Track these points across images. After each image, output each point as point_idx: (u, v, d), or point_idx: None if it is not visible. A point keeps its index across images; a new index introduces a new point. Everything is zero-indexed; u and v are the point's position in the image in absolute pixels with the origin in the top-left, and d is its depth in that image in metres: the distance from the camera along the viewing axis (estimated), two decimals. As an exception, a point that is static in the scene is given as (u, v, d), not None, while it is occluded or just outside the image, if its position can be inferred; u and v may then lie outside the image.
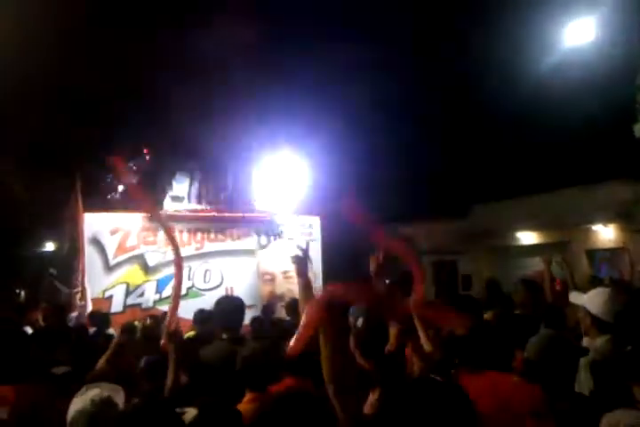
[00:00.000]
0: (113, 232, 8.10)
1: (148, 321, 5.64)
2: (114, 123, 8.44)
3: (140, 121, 8.53)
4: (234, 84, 8.66)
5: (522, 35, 12.47)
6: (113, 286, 7.97)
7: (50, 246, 10.28)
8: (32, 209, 8.28)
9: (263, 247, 8.96)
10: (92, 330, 6.09)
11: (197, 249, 8.57)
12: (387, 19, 13.15)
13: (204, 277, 8.53)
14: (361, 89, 11.95)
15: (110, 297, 7.92)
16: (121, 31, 8.77)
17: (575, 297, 3.75)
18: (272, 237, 9.02)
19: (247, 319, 4.80)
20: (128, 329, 5.93)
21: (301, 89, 9.93)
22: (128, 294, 8.05)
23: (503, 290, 6.35)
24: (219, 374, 2.93)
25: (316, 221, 9.23)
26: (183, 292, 8.21)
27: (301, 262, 3.24)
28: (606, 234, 13.19)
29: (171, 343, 3.24)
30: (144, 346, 4.32)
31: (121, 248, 8.12)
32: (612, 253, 12.85)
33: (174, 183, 8.40)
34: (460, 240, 14.47)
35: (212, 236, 8.68)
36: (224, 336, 3.72)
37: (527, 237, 14.35)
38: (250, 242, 8.89)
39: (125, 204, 8.16)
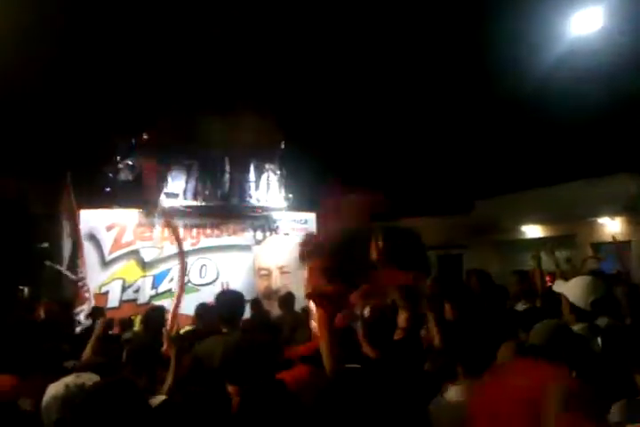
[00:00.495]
0: (109, 228, 8.28)
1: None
2: (109, 120, 8.58)
3: (135, 117, 8.66)
4: (228, 79, 8.77)
5: (528, 24, 12.41)
6: (109, 282, 8.16)
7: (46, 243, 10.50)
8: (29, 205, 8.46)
9: (259, 243, 9.11)
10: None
11: (193, 245, 8.74)
12: (394, 2, 13.14)
13: (200, 272, 8.70)
14: (363, 79, 12.00)
15: (106, 293, 8.11)
16: (116, 25, 8.90)
17: (558, 286, 3.88)
18: (268, 233, 9.16)
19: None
20: (126, 324, 6.16)
21: (299, 80, 9.98)
22: (124, 289, 8.24)
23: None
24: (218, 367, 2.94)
25: (311, 217, 9.35)
26: (179, 287, 8.42)
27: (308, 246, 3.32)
28: (613, 227, 13.17)
29: (172, 348, 3.34)
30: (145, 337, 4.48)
31: (117, 244, 8.30)
32: (618, 247, 12.83)
33: (170, 180, 8.54)
34: (465, 234, 14.52)
35: (208, 231, 8.85)
36: (224, 330, 3.81)
37: (533, 231, 14.37)
38: (246, 237, 9.04)
39: (121, 200, 8.34)
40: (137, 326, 5.94)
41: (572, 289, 3.70)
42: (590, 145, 13.03)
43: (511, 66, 13.07)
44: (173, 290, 8.51)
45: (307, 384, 2.73)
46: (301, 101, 9.95)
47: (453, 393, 2.37)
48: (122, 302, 8.19)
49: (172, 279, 8.52)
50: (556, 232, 13.95)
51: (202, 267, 8.71)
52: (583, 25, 11.54)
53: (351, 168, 12.76)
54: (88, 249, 8.07)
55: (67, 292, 7.66)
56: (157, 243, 8.48)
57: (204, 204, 8.66)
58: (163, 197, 8.48)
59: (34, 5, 7.62)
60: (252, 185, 9.00)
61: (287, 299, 6.40)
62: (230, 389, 2.54)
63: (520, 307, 4.96)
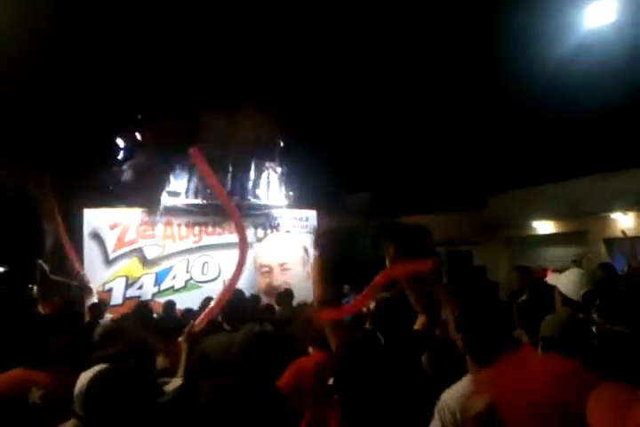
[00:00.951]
0: (112, 227, 8.55)
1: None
2: (111, 119, 8.81)
3: (137, 116, 8.90)
4: (228, 78, 8.95)
5: (541, 17, 12.38)
6: (113, 279, 8.44)
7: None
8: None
9: (260, 240, 9.32)
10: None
11: (195, 242, 8.98)
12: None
13: (202, 269, 8.94)
14: (368, 73, 12.07)
15: (110, 290, 8.39)
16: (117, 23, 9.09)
17: (552, 278, 4.00)
18: (269, 230, 9.37)
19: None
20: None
21: (299, 77, 10.08)
22: (127, 286, 8.51)
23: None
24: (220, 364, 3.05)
25: (312, 214, 9.53)
26: (181, 285, 8.71)
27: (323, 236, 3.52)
28: (625, 222, 13.11)
29: (186, 342, 3.40)
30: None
31: (120, 242, 8.57)
32: (632, 242, 12.78)
33: (172, 179, 8.78)
34: (475, 231, 14.57)
35: (210, 229, 9.08)
36: (226, 327, 3.94)
37: (544, 227, 14.35)
38: (247, 235, 9.24)
39: (124, 199, 8.60)
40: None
41: (564, 281, 3.80)
42: (602, 139, 12.97)
43: (523, 59, 13.03)
44: (176, 287, 8.82)
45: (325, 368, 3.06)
46: (303, 98, 10.05)
47: (464, 383, 2.34)
48: (125, 298, 8.45)
49: (174, 277, 8.79)
50: (568, 228, 13.92)
51: (204, 264, 8.94)
52: (596, 17, 11.52)
53: (357, 166, 12.92)
54: (92, 247, 8.36)
55: (73, 290, 7.96)
56: (159, 241, 8.73)
57: (205, 202, 8.88)
58: (165, 195, 8.73)
59: (33, 3, 7.88)
60: (253, 183, 9.20)
61: (285, 295, 6.59)
62: None
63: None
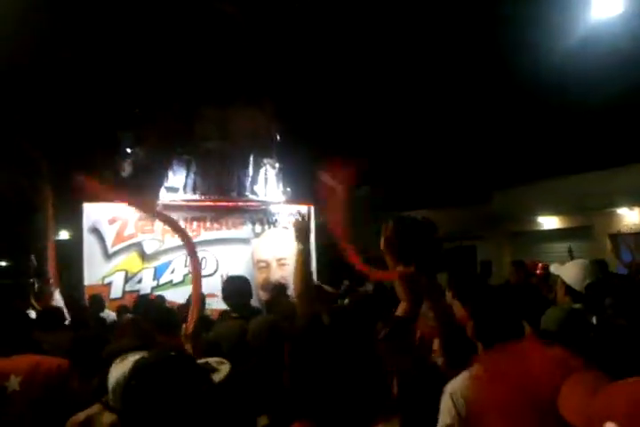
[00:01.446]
0: (111, 221, 8.82)
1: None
2: (109, 115, 9.07)
3: (135, 112, 9.15)
4: (225, 74, 9.17)
5: (548, 8, 12.43)
6: (112, 273, 8.73)
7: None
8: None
9: (258, 236, 9.56)
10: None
11: (193, 237, 9.18)
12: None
13: (200, 264, 9.18)
14: (368, 65, 12.20)
15: (109, 284, 8.68)
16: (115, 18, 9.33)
17: (555, 268, 4.16)
18: (266, 226, 9.61)
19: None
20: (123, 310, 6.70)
21: (301, 73, 10.27)
22: (127, 280, 8.79)
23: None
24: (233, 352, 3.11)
25: (309, 210, 9.74)
26: (180, 279, 8.98)
27: (302, 228, 3.59)
28: (631, 217, 13.20)
29: (187, 343, 3.60)
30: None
31: (119, 237, 8.84)
32: (637, 237, 12.86)
33: (170, 174, 9.04)
34: (479, 225, 14.72)
35: (208, 224, 9.32)
36: (233, 315, 4.05)
37: (549, 222, 14.46)
38: (244, 230, 9.51)
39: (122, 194, 8.84)
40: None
41: (568, 271, 3.94)
42: (609, 133, 13.03)
43: (530, 52, 13.09)
44: (175, 281, 9.09)
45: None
46: (302, 92, 10.25)
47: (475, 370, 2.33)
48: (125, 292, 8.74)
49: (172, 271, 9.07)
50: (573, 223, 14.03)
51: (202, 259, 9.13)
52: (604, 9, 11.54)
53: (357, 161, 13.06)
54: (91, 241, 8.65)
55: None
56: (158, 235, 9.00)
57: (203, 198, 9.13)
58: (163, 191, 8.99)
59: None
60: (251, 179, 9.43)
61: (280, 288, 6.81)
62: None
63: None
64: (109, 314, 7.27)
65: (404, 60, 13.15)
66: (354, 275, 8.16)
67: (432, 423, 2.38)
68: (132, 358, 2.27)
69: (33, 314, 5.90)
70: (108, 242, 8.76)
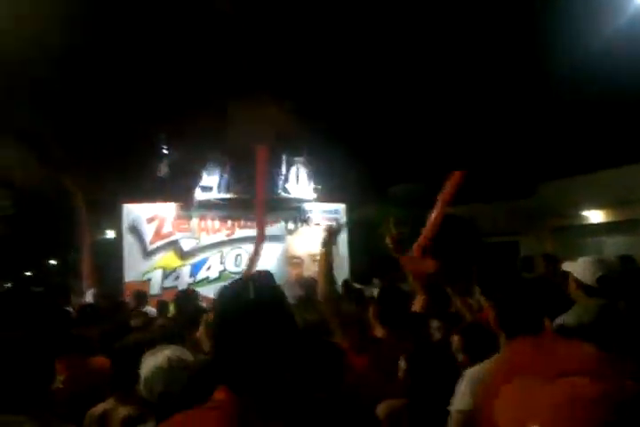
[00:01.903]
0: (150, 220, 9.31)
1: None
2: (145, 115, 9.52)
3: (168, 114, 9.59)
4: (257, 74, 9.52)
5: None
6: (151, 271, 9.22)
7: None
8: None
9: (291, 233, 9.91)
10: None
11: (228, 235, 9.65)
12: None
13: (235, 261, 9.61)
14: (404, 57, 12.28)
15: (149, 280, 9.18)
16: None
17: (566, 265, 4.34)
18: (299, 224, 9.94)
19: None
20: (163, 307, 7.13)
21: (329, 69, 10.45)
22: (165, 277, 9.27)
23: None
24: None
25: (341, 208, 10.04)
26: (216, 275, 9.42)
27: (333, 233, 3.88)
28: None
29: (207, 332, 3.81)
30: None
31: (157, 235, 9.32)
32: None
33: (205, 174, 9.47)
34: (522, 220, 14.65)
35: (242, 223, 9.73)
36: None
37: (595, 216, 14.27)
38: (278, 228, 9.87)
39: (160, 193, 9.35)
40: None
41: (578, 267, 4.10)
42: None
43: (570, 41, 12.95)
44: (211, 278, 9.54)
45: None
46: (332, 89, 10.45)
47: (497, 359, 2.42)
48: (163, 289, 9.22)
49: (209, 268, 9.51)
50: (620, 217, 13.79)
51: (237, 256, 9.61)
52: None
53: (396, 157, 13.24)
54: (130, 240, 9.16)
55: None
56: (194, 234, 9.46)
57: (236, 197, 9.52)
58: (198, 190, 9.43)
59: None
60: (283, 178, 9.78)
61: (309, 283, 7.11)
62: None
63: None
64: (150, 310, 7.72)
65: (441, 51, 13.19)
66: (385, 273, 8.42)
67: (439, 405, 2.50)
68: (167, 352, 2.48)
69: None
70: (147, 240, 9.25)
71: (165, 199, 9.38)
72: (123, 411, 2.67)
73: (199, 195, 9.44)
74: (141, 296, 7.65)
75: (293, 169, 9.82)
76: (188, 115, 9.49)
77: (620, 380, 1.23)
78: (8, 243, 13.86)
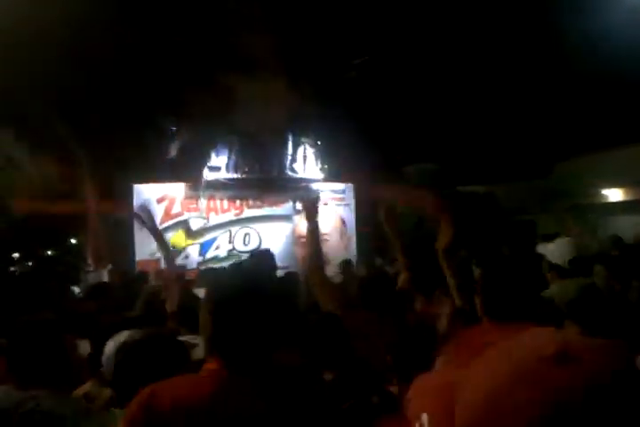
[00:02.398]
0: (160, 200, 9.68)
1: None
2: (153, 96, 9.81)
3: (179, 95, 9.88)
4: (263, 55, 9.72)
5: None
6: (161, 250, 9.62)
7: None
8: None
9: (299, 213, 10.19)
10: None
11: (237, 215, 9.98)
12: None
13: (244, 240, 9.95)
14: (419, 34, 12.34)
15: (159, 259, 9.57)
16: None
17: (540, 247, 4.55)
18: (307, 203, 10.22)
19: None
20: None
21: (335, 45, 10.57)
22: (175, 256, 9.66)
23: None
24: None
25: (349, 187, 10.29)
26: (224, 254, 9.78)
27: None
28: None
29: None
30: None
31: (167, 215, 9.68)
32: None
33: (213, 154, 9.78)
34: (541, 199, 14.72)
35: (251, 202, 10.05)
36: None
37: (614, 194, 14.28)
38: (286, 208, 10.17)
39: (169, 174, 9.70)
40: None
41: (551, 250, 4.30)
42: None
43: (587, 16, 12.84)
44: (220, 256, 9.91)
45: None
46: (342, 69, 10.60)
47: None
48: (173, 267, 9.61)
49: (217, 247, 9.87)
50: (638, 195, 13.80)
51: (245, 235, 9.94)
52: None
53: (413, 136, 13.37)
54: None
55: None
56: (203, 213, 9.81)
57: (245, 177, 9.83)
58: (207, 170, 9.76)
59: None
60: (290, 158, 10.05)
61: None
62: None
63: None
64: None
65: (456, 29, 13.20)
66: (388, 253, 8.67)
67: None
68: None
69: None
70: (157, 220, 9.61)
71: (174, 180, 9.73)
72: (106, 393, 2.65)
73: (208, 175, 9.76)
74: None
75: (301, 149, 10.07)
76: (196, 95, 9.76)
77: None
78: (29, 222, 14.40)
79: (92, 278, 7.01)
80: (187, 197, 9.76)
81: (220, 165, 9.78)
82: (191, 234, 9.75)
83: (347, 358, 2.79)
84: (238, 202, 9.97)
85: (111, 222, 9.56)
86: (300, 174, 10.17)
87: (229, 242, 9.88)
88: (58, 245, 18.49)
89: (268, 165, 9.95)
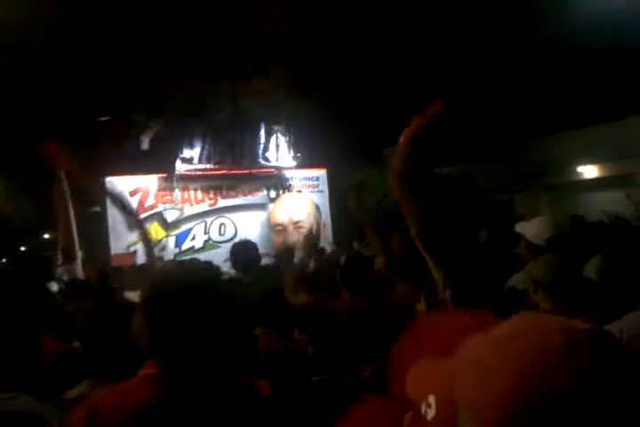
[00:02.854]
0: (133, 193, 9.88)
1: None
2: (123, 89, 9.98)
3: (151, 85, 10.05)
4: (233, 44, 9.91)
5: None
6: (137, 242, 9.85)
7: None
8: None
9: (273, 201, 10.46)
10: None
11: (211, 205, 10.21)
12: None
13: (220, 230, 10.19)
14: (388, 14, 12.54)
15: (135, 252, 9.81)
16: None
17: (519, 227, 4.72)
18: (281, 191, 10.49)
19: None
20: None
21: (304, 33, 10.75)
22: (150, 248, 9.90)
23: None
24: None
25: (322, 174, 10.57)
26: (200, 245, 10.03)
27: None
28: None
29: None
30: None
31: (141, 207, 9.90)
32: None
33: (185, 145, 9.99)
34: (515, 179, 15.06)
35: (225, 192, 10.27)
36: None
37: (590, 171, 14.67)
38: (260, 196, 10.42)
39: (141, 166, 9.89)
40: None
41: (529, 228, 4.47)
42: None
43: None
44: (196, 247, 10.16)
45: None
46: (309, 54, 10.77)
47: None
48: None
49: (193, 237, 10.12)
50: (615, 171, 14.16)
51: (221, 225, 10.18)
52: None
53: (384, 119, 13.59)
54: (115, 213, 9.76)
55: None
56: (178, 205, 10.03)
57: (217, 167, 10.06)
58: (179, 162, 9.97)
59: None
60: (263, 146, 10.29)
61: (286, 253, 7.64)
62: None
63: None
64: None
65: (426, 5, 13.38)
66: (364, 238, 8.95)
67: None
68: None
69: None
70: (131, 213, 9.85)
71: (147, 172, 9.93)
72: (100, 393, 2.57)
73: (180, 166, 9.97)
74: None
75: (273, 138, 10.31)
76: (168, 87, 9.95)
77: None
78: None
79: (61, 272, 7.18)
80: (160, 189, 9.96)
81: (192, 157, 9.98)
82: (166, 226, 9.98)
83: (329, 337, 2.85)
84: (212, 192, 10.18)
85: (85, 216, 9.77)
86: (273, 163, 10.41)
87: (205, 232, 10.12)
88: (31, 240, 18.53)
89: (240, 154, 10.17)
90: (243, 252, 4.56)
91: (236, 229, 10.20)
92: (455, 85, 14.64)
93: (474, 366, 0.89)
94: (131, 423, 1.59)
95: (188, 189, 10.11)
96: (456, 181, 15.25)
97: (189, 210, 10.09)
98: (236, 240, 9.90)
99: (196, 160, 10.04)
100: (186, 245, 10.05)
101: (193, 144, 10.08)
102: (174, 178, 9.93)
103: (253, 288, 3.72)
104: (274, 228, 10.38)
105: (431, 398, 1.00)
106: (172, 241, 10.00)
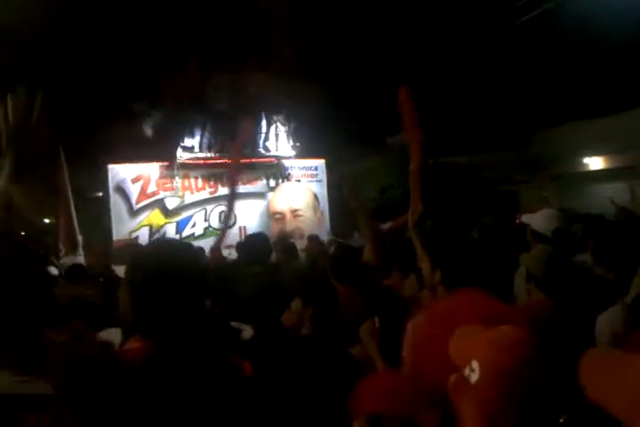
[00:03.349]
0: (135, 180, 10.35)
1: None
2: (125, 78, 10.40)
3: (153, 73, 10.46)
4: (235, 34, 10.30)
5: None
6: (138, 229, 10.33)
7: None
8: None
9: (272, 190, 10.90)
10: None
11: (211, 193, 10.65)
12: None
13: (220, 217, 10.61)
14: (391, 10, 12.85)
15: (137, 238, 10.29)
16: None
17: (526, 218, 4.99)
18: (280, 180, 10.92)
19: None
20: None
21: (304, 23, 11.07)
22: (152, 235, 10.36)
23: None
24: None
25: (320, 164, 10.99)
26: (200, 232, 10.49)
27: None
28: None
29: None
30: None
31: (143, 194, 10.35)
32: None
33: (186, 134, 10.43)
34: (521, 170, 15.35)
35: (225, 180, 10.71)
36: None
37: (595, 163, 14.93)
38: (259, 185, 10.86)
39: (143, 154, 10.35)
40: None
41: (537, 219, 4.74)
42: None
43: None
44: (196, 234, 10.63)
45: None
46: (311, 44, 11.12)
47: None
48: (150, 246, 10.31)
49: (194, 224, 10.58)
50: (621, 163, 14.39)
51: (220, 213, 10.59)
52: None
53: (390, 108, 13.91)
54: (117, 200, 10.23)
55: None
56: (178, 192, 10.50)
57: (217, 155, 10.50)
58: (180, 150, 10.42)
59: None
60: (263, 136, 10.72)
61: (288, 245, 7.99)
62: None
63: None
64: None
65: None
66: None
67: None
68: None
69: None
70: (133, 200, 10.29)
71: (149, 160, 10.39)
72: None
73: (182, 155, 10.42)
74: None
75: (272, 127, 10.72)
76: (169, 75, 10.36)
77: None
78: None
79: (64, 263, 7.51)
80: (162, 177, 10.41)
81: (193, 145, 10.42)
82: (167, 213, 10.44)
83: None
84: (213, 180, 10.62)
85: (87, 203, 10.25)
86: (273, 152, 10.83)
87: (205, 220, 10.57)
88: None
89: (242, 143, 10.56)
90: (257, 244, 4.64)
91: (235, 217, 10.62)
92: (462, 76, 14.96)
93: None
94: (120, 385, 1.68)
95: (188, 177, 10.55)
96: (462, 170, 15.55)
97: (190, 198, 10.55)
98: (236, 228, 10.50)
99: (196, 149, 10.46)
100: (186, 232, 10.51)
101: (194, 133, 10.49)
102: (175, 166, 10.38)
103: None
104: (272, 216, 10.82)
105: (475, 364, 1.17)
106: (172, 228, 10.47)
